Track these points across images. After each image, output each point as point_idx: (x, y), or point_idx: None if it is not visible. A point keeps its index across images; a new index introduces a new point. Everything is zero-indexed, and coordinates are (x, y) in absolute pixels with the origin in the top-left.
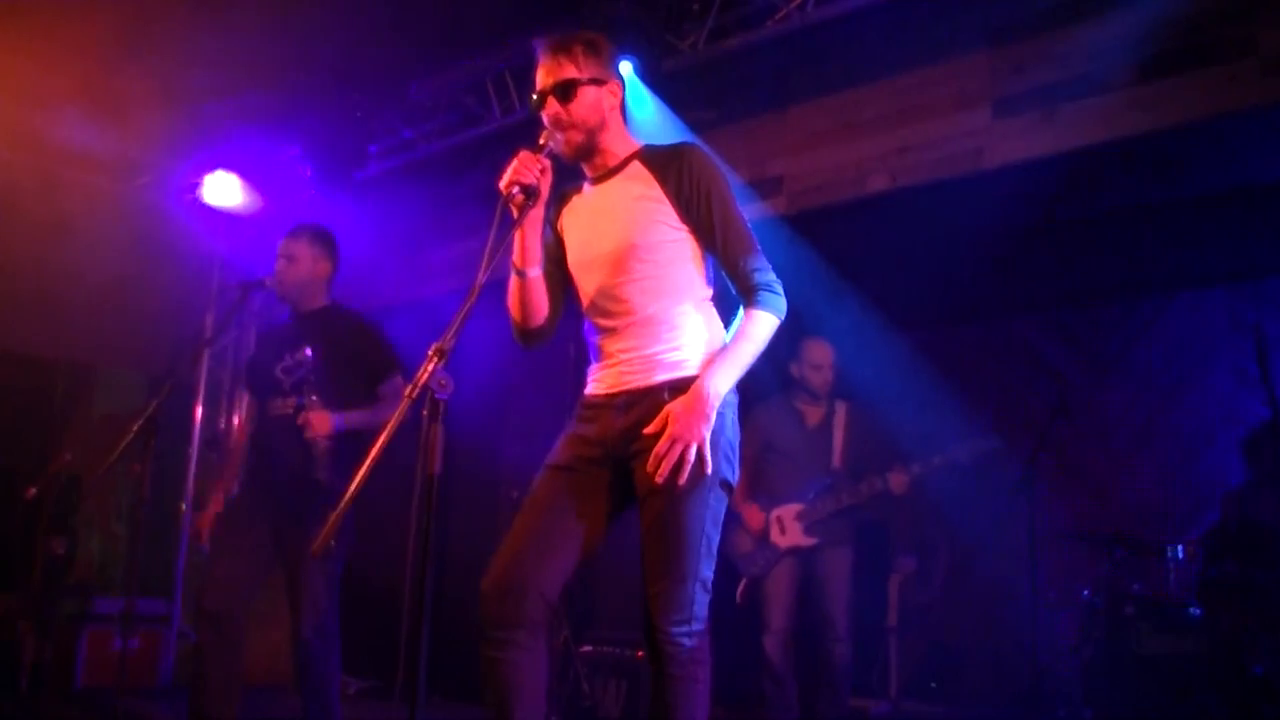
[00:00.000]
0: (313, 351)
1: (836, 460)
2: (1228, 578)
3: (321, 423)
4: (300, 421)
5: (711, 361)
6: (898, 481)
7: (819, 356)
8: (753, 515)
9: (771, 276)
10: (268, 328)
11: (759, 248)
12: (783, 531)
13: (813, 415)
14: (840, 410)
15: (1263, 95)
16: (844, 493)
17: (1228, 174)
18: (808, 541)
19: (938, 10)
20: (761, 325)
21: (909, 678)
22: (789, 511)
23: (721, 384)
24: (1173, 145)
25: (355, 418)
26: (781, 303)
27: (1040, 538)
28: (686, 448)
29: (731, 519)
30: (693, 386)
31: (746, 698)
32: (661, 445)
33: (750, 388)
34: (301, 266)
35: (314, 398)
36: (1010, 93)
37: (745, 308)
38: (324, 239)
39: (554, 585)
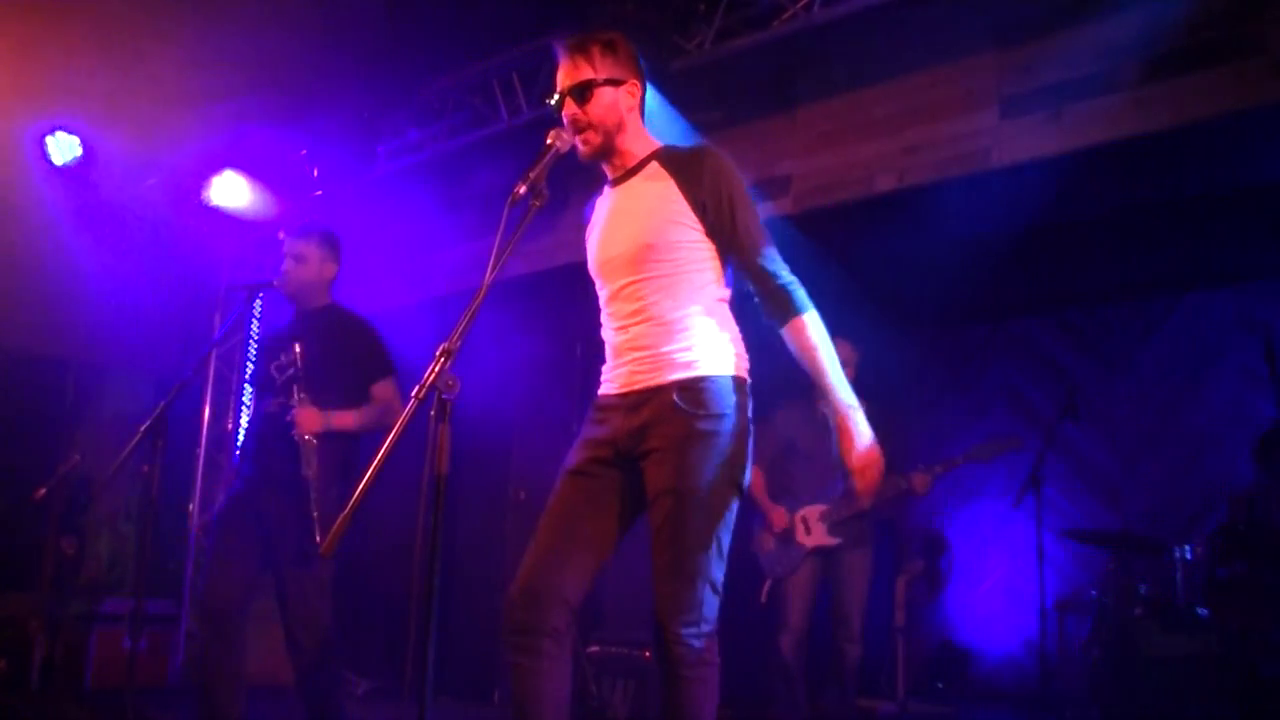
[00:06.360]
0: (308, 349)
1: None
2: (1236, 578)
3: (309, 420)
4: (289, 419)
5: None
6: (921, 481)
7: (844, 355)
8: (778, 515)
9: (793, 276)
10: (272, 327)
11: (775, 250)
12: (808, 531)
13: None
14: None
15: (1272, 94)
16: None
17: (1236, 173)
18: (831, 541)
19: (944, 10)
20: (816, 326)
21: (916, 678)
22: (814, 512)
23: (846, 395)
24: (1181, 145)
25: (344, 418)
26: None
27: (1048, 537)
28: (876, 466)
29: (755, 519)
30: (837, 421)
31: (753, 698)
32: (860, 492)
33: (774, 390)
34: (310, 268)
35: (303, 395)
36: (1017, 92)
37: (784, 315)
38: (333, 242)
39: (577, 592)
